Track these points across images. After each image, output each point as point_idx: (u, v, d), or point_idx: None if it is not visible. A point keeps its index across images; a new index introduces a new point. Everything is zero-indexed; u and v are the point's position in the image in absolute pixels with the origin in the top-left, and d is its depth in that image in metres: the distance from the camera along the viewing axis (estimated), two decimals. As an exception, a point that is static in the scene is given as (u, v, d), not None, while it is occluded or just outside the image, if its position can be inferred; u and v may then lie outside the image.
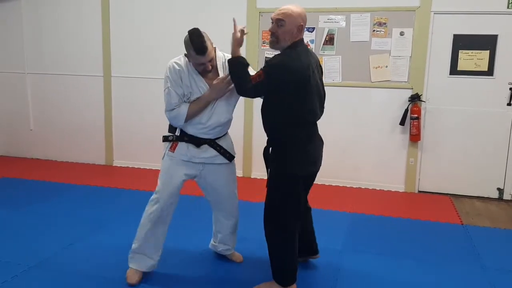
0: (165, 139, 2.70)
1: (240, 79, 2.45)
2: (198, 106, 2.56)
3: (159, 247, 2.76)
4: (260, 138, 5.06)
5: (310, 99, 2.45)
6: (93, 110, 5.63)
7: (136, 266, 2.74)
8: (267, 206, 2.57)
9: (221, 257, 3.06)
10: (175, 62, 2.56)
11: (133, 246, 2.75)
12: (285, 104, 2.43)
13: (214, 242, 3.04)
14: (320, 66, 2.66)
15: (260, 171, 5.15)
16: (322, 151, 2.66)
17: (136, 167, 5.57)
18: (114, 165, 5.67)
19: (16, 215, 3.84)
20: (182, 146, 2.64)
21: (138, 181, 4.96)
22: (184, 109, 2.53)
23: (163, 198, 2.66)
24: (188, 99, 2.56)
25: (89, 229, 3.55)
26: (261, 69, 2.42)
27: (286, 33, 2.45)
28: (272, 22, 2.48)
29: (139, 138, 5.52)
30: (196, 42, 2.42)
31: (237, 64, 2.47)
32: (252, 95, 2.51)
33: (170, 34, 5.22)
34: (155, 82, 5.32)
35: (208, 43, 2.46)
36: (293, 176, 2.48)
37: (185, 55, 2.55)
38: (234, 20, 2.54)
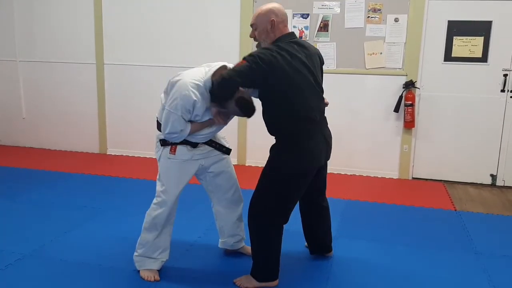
0: (164, 143, 2.56)
1: (222, 80, 2.33)
2: (198, 128, 2.51)
3: (167, 247, 2.70)
4: (254, 126, 5.07)
5: (299, 94, 2.38)
6: (86, 98, 5.58)
7: (150, 267, 2.67)
8: (254, 199, 2.53)
9: (212, 251, 3.05)
10: (193, 92, 2.36)
11: (139, 251, 2.66)
12: (276, 100, 2.39)
13: (223, 239, 2.91)
14: (320, 58, 2.60)
15: (254, 159, 5.16)
16: (327, 148, 2.58)
17: (130, 155, 5.55)
18: (108, 153, 5.65)
19: (9, 204, 3.83)
20: (181, 147, 2.56)
21: (133, 169, 4.95)
22: (186, 131, 2.46)
23: (170, 201, 2.58)
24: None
25: (83, 217, 3.55)
26: (242, 59, 2.36)
27: (261, 33, 2.46)
28: None
29: (133, 126, 5.49)
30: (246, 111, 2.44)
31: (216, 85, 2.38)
32: (232, 81, 2.30)
33: (163, 20, 5.17)
34: (149, 69, 5.29)
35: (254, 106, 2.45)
36: (284, 171, 2.43)
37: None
38: None
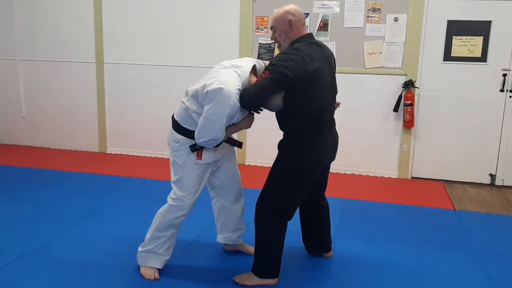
0: (194, 148, 2.50)
1: (246, 92, 2.38)
2: (234, 131, 2.55)
3: (172, 245, 2.71)
4: (254, 126, 5.05)
5: (317, 95, 2.42)
6: (86, 97, 5.58)
7: (152, 264, 2.67)
8: (261, 196, 2.57)
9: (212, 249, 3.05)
10: (237, 99, 2.35)
11: (148, 247, 2.65)
12: (291, 98, 2.41)
13: (225, 234, 2.90)
14: (334, 59, 2.64)
15: (254, 158, 5.16)
16: (333, 148, 2.64)
17: (129, 154, 5.55)
18: (107, 152, 5.65)
19: (9, 203, 3.83)
20: (207, 150, 2.54)
21: (132, 168, 4.94)
22: (223, 136, 2.44)
23: (191, 204, 2.60)
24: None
25: (83, 216, 3.55)
26: (264, 70, 2.40)
27: (281, 34, 2.52)
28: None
29: (132, 125, 5.49)
30: None
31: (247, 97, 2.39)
32: (259, 96, 2.35)
33: (163, 19, 5.17)
34: (149, 68, 5.30)
35: None
36: (289, 169, 2.48)
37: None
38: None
